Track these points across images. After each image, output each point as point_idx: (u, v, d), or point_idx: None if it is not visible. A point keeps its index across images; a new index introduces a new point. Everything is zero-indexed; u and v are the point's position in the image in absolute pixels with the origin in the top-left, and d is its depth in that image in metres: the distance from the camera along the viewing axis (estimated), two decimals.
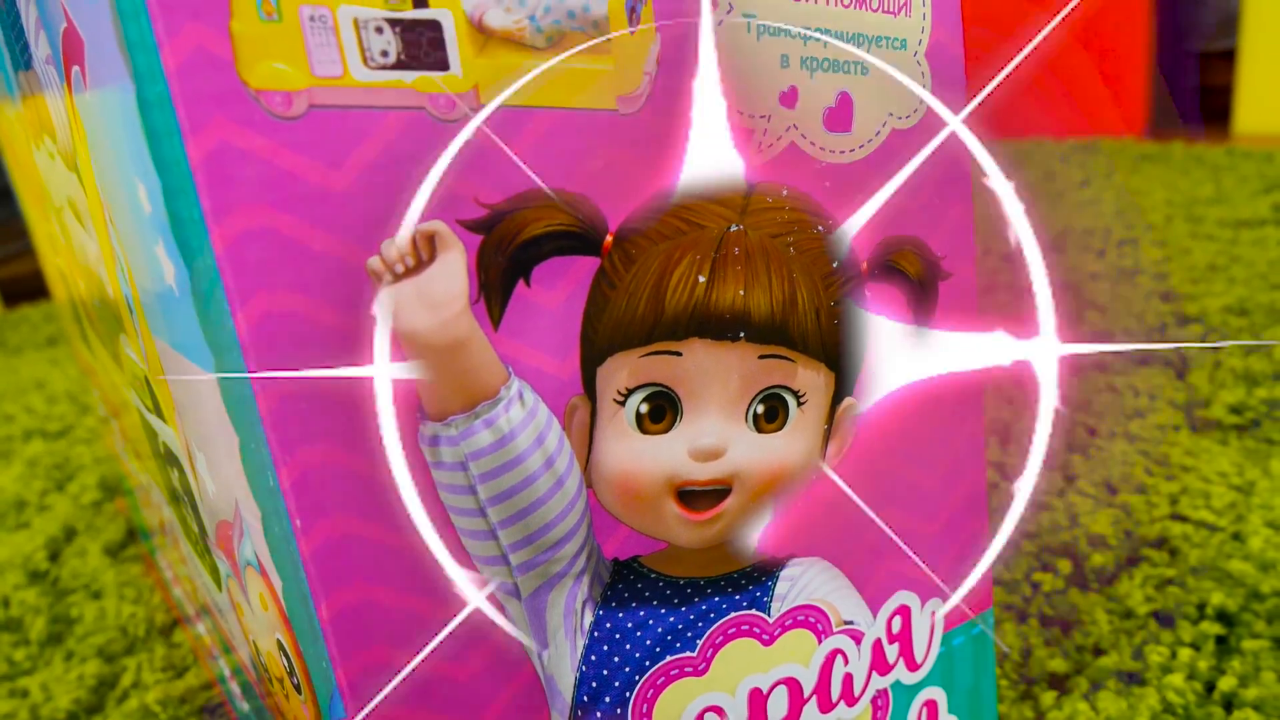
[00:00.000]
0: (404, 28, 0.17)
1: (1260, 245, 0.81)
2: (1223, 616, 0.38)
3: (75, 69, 0.21)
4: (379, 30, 0.17)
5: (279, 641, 0.22)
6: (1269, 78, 1.36)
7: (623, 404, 0.21)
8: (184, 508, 0.29)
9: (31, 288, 1.78)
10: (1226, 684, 0.34)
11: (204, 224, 0.16)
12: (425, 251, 0.18)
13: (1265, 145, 1.25)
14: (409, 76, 0.17)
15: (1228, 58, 1.62)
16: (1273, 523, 0.44)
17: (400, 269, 0.18)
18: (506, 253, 0.19)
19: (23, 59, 0.28)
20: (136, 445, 0.37)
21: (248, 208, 0.16)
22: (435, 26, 0.17)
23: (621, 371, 0.21)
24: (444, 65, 0.17)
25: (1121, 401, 0.58)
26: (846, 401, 0.24)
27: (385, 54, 0.17)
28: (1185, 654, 0.36)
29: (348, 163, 0.17)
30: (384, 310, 0.18)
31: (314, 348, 0.17)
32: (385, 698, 0.20)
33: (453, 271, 0.18)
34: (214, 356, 0.18)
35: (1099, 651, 0.37)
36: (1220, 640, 0.37)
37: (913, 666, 0.27)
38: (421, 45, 0.17)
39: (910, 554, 0.26)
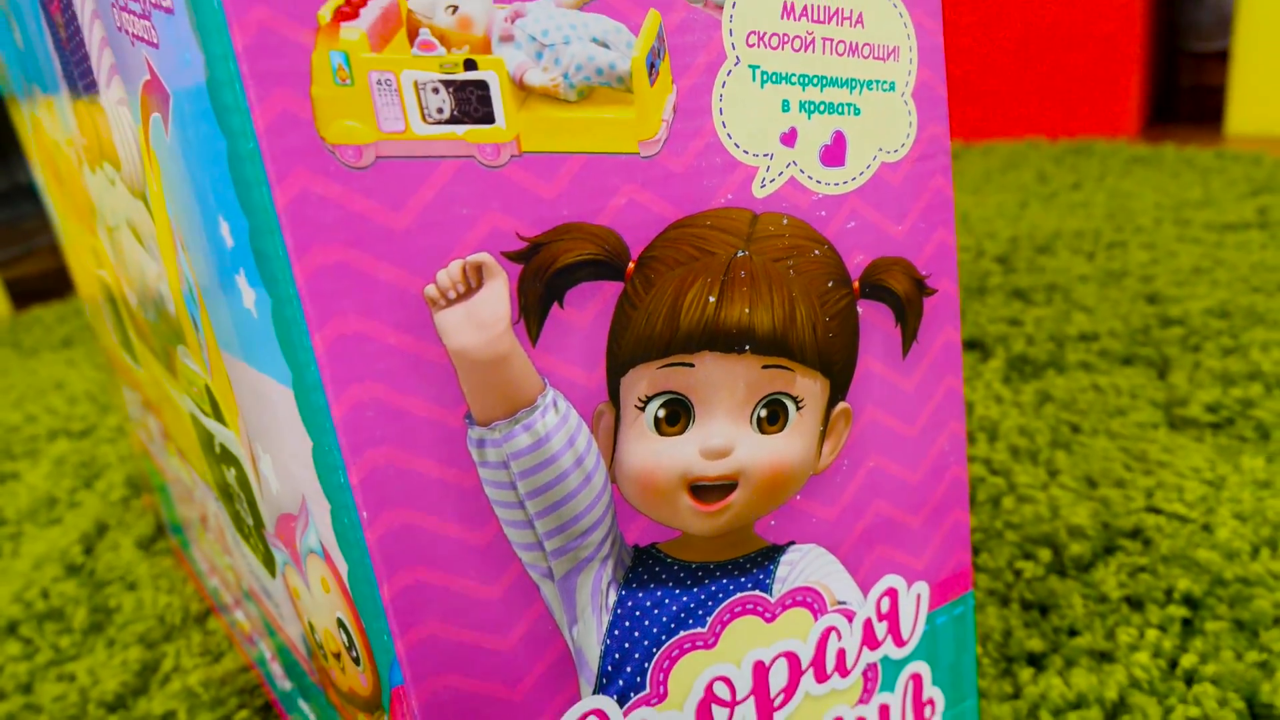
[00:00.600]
0: (456, 88, 0.20)
1: (1244, 249, 0.83)
2: (1189, 601, 0.41)
3: (156, 116, 0.23)
4: (435, 90, 0.20)
5: (339, 620, 0.25)
6: (1261, 80, 1.38)
7: (643, 410, 0.24)
8: (237, 502, 0.32)
9: (38, 288, 1.81)
10: (1188, 661, 0.37)
11: (287, 259, 0.19)
12: (474, 280, 0.21)
13: (1256, 147, 1.28)
14: (460, 129, 0.20)
15: (1222, 59, 1.65)
16: (1240, 514, 0.47)
17: (453, 295, 0.21)
18: (543, 279, 0.21)
19: (83, 89, 0.31)
20: (182, 444, 0.39)
21: (324, 245, 0.19)
22: (483, 86, 0.20)
23: (641, 381, 0.23)
24: (490, 119, 0.20)
25: (1105, 400, 0.61)
26: (840, 405, 0.27)
27: (440, 111, 0.20)
28: (1152, 634, 0.39)
29: (408, 204, 0.20)
30: (439, 331, 0.21)
31: (380, 365, 0.20)
32: (436, 665, 0.23)
33: (498, 296, 0.21)
34: (292, 372, 0.21)
35: (1074, 632, 0.40)
36: (1186, 622, 0.40)
37: (900, 643, 0.30)
38: (471, 102, 0.20)
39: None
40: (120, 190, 0.31)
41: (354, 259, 0.20)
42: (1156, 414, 0.59)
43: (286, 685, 0.39)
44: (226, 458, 0.31)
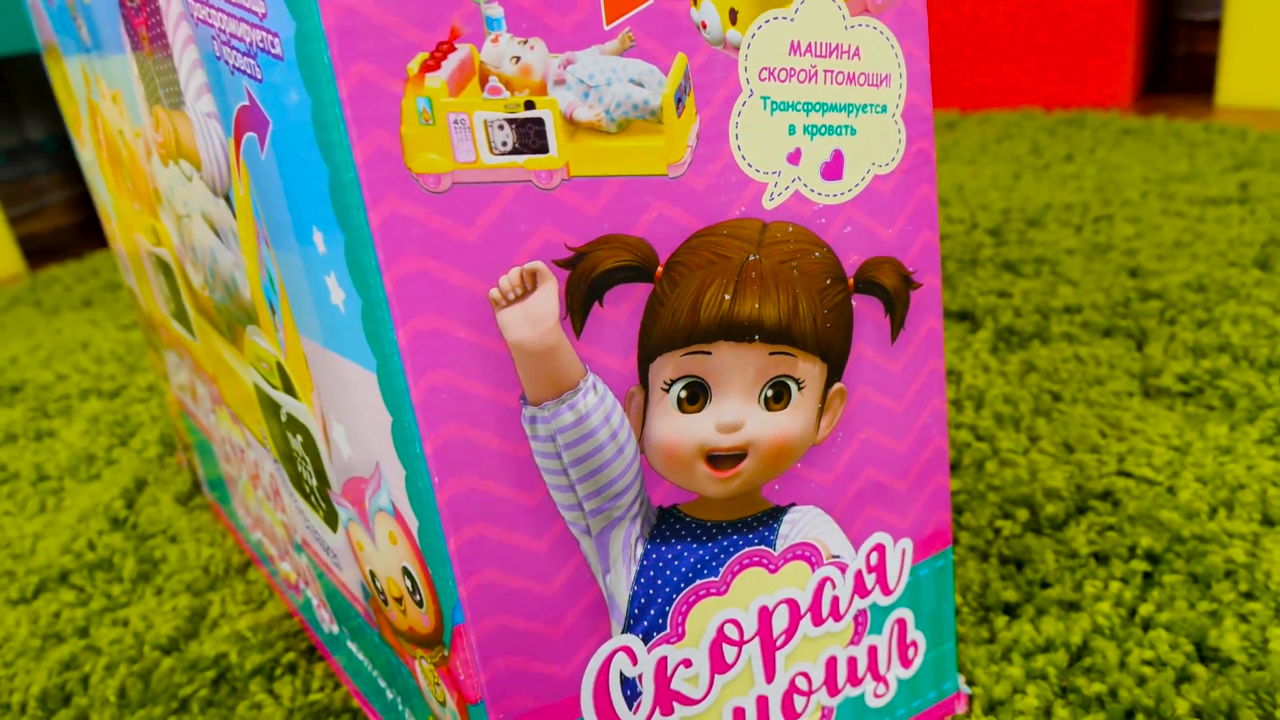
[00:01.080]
0: (518, 125, 0.23)
1: (1224, 223, 0.87)
2: (1150, 556, 0.46)
3: (251, 135, 0.27)
4: (501, 127, 0.23)
5: (405, 569, 0.29)
6: (1251, 51, 1.40)
7: (667, 391, 0.28)
8: (299, 465, 0.36)
9: (50, 245, 1.83)
10: (1146, 610, 0.42)
11: (378, 268, 0.23)
12: (530, 284, 0.25)
13: (1245, 118, 1.31)
14: (521, 159, 0.24)
15: (1215, 28, 1.67)
16: (1201, 478, 0.51)
17: (512, 297, 0.24)
18: (586, 282, 0.25)
19: (164, 97, 0.35)
20: (238, 409, 0.43)
21: (408, 257, 0.23)
22: (539, 122, 0.24)
23: (667, 367, 0.27)
24: (545, 149, 0.24)
25: (1085, 370, 0.65)
26: (836, 386, 0.31)
27: (505, 144, 0.23)
28: (1115, 587, 0.43)
29: (477, 222, 0.24)
30: (500, 326, 0.24)
31: (451, 355, 0.24)
32: (491, 606, 0.27)
33: (549, 297, 0.25)
34: (376, 360, 0.25)
35: (1045, 585, 0.45)
36: (1146, 576, 0.45)
37: (886, 591, 0.34)
38: (530, 136, 0.24)
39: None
40: (197, 186, 0.34)
41: (432, 268, 0.23)
42: (1132, 384, 0.63)
43: (334, 629, 0.43)
44: (293, 425, 0.35)
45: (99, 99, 0.47)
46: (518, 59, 0.23)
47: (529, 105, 0.23)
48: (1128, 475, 0.53)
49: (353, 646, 0.41)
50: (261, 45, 0.24)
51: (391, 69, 0.22)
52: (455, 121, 0.23)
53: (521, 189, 0.24)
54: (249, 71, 0.25)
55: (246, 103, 0.26)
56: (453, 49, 0.22)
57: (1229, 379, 0.60)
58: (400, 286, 0.23)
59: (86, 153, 0.57)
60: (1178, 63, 1.90)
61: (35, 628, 0.54)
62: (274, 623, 0.52)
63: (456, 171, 0.23)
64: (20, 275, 1.56)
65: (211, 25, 0.27)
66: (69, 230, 1.96)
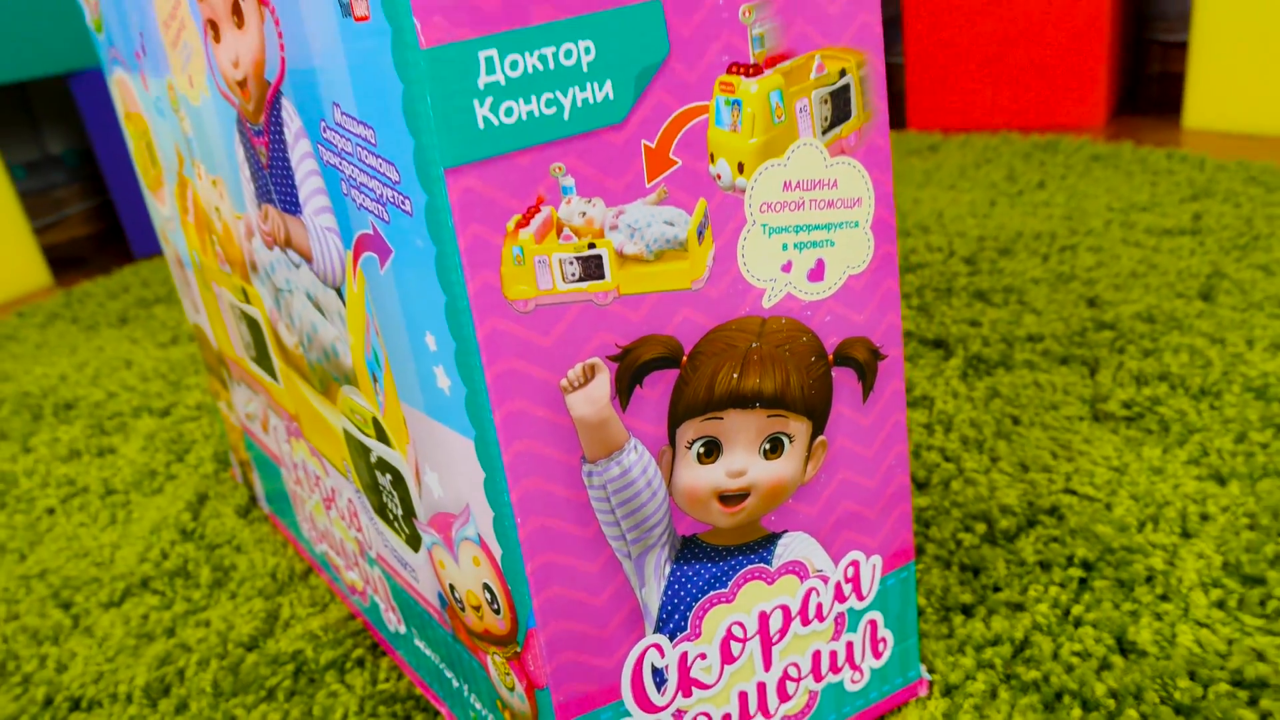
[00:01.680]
0: (584, 261, 0.32)
1: (1175, 254, 0.96)
2: (1085, 564, 0.54)
3: (371, 255, 0.35)
4: (570, 264, 0.32)
5: (486, 584, 0.37)
6: (1217, 76, 1.48)
7: (689, 449, 0.36)
8: (385, 496, 0.44)
9: (69, 254, 1.91)
10: (1077, 610, 0.50)
11: (481, 367, 0.31)
12: (589, 374, 0.33)
13: (1210, 141, 1.39)
14: (584, 285, 0.32)
15: (1185, 48, 1.75)
16: (1134, 495, 0.60)
17: (576, 384, 0.33)
18: (630, 371, 0.34)
19: (279, 201, 0.43)
20: (320, 445, 0.52)
21: (504, 359, 0.31)
22: (599, 258, 0.32)
23: (689, 430, 0.36)
24: (602, 277, 0.32)
25: (1042, 396, 0.74)
26: (819, 438, 0.39)
27: (573, 275, 0.32)
28: (1054, 590, 0.52)
29: (552, 332, 0.32)
30: (568, 406, 0.33)
31: (532, 428, 0.33)
32: (555, 612, 0.35)
33: (603, 384, 0.33)
34: (475, 431, 0.33)
35: (996, 589, 0.54)
36: (1081, 581, 0.53)
37: (860, 598, 0.43)
38: (592, 268, 0.32)
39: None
40: (305, 273, 0.43)
41: (520, 366, 0.32)
42: (1083, 409, 0.71)
43: (401, 628, 0.52)
44: (383, 466, 0.43)
45: (193, 176, 0.55)
46: (584, 213, 0.31)
47: (591, 246, 0.32)
48: (1072, 493, 0.61)
49: (420, 643, 0.49)
50: (393, 201, 0.32)
51: (495, 228, 0.30)
52: (539, 262, 0.31)
53: (584, 306, 0.32)
54: (376, 213, 0.34)
55: (370, 232, 0.35)
56: (538, 210, 0.31)
57: (1166, 405, 0.69)
58: (497, 380, 0.32)
59: (165, 209, 0.65)
60: (1151, 81, 1.99)
61: (128, 628, 0.63)
62: (340, 623, 0.60)
63: (539, 297, 0.31)
64: (48, 288, 1.64)
65: (342, 172, 0.35)
66: (88, 240, 2.04)
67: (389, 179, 0.32)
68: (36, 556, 0.73)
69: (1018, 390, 0.75)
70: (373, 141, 0.32)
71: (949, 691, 0.47)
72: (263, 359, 0.56)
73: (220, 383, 0.72)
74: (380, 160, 0.32)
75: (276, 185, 0.42)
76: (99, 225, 2.12)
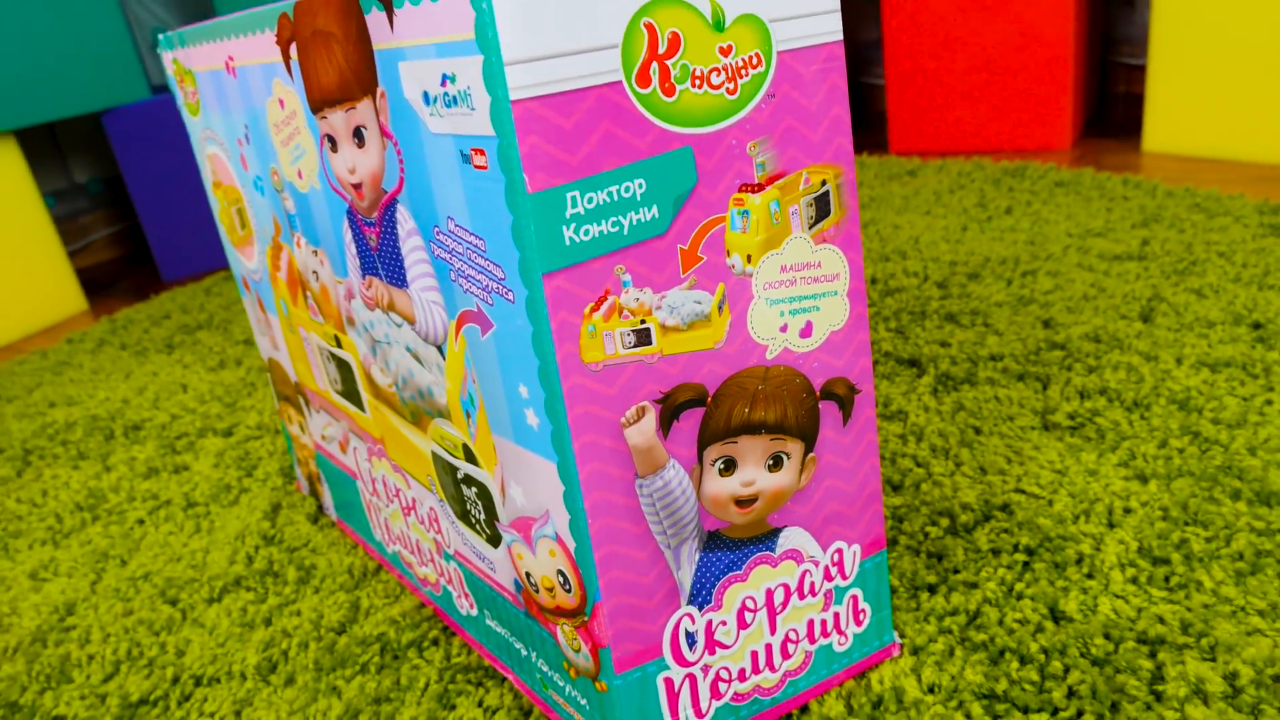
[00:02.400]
0: (637, 333, 0.44)
1: (1122, 278, 1.08)
2: (1028, 550, 0.67)
3: (473, 326, 0.47)
4: (628, 336, 0.44)
5: (560, 570, 0.49)
6: (1174, 102, 1.61)
7: (713, 465, 0.48)
8: (466, 504, 0.56)
9: (96, 277, 2.01)
10: (1019, 587, 0.63)
11: (564, 411, 0.43)
12: (640, 414, 0.45)
13: (1167, 166, 1.52)
14: (638, 349, 0.44)
15: (1145, 72, 1.88)
16: (1072, 494, 0.72)
17: (631, 421, 0.45)
18: (670, 410, 0.46)
19: (384, 274, 0.55)
20: (405, 463, 0.64)
21: (580, 404, 0.44)
22: (648, 331, 0.44)
23: (713, 452, 0.48)
24: (650, 343, 0.44)
25: (1001, 409, 0.86)
26: (810, 455, 0.51)
27: (629, 343, 0.44)
28: (1002, 571, 0.64)
29: (615, 384, 0.44)
30: (627, 436, 0.45)
31: (601, 454, 0.45)
32: (615, 589, 0.47)
33: (650, 420, 0.45)
34: (558, 457, 0.45)
35: (956, 571, 0.66)
36: (1025, 564, 0.66)
37: (844, 578, 0.55)
38: (642, 338, 0.44)
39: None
40: (406, 331, 0.55)
41: (592, 409, 0.44)
42: (1035, 420, 0.84)
43: (472, 611, 0.64)
44: (469, 481, 0.55)
45: (290, 244, 0.67)
46: (637, 299, 0.43)
47: (643, 322, 0.44)
48: (1021, 492, 0.74)
49: (491, 623, 0.61)
50: (498, 291, 0.44)
51: (576, 312, 0.42)
52: (606, 335, 0.43)
53: (638, 365, 0.44)
54: (481, 297, 0.46)
55: (474, 309, 0.47)
56: (605, 299, 0.43)
57: (1103, 416, 0.81)
58: (575, 420, 0.44)
59: (252, 263, 0.77)
60: (1117, 101, 2.12)
61: (231, 619, 0.75)
62: (412, 611, 0.72)
63: (606, 360, 0.44)
64: (84, 312, 1.75)
65: (452, 265, 0.47)
66: (113, 264, 2.15)
67: (495, 276, 0.44)
68: (137, 561, 0.85)
69: (980, 404, 0.87)
70: (483, 249, 0.44)
71: (916, 651, 0.59)
72: (350, 393, 0.68)
73: (295, 409, 0.84)
74: (489, 262, 0.44)
75: (384, 264, 0.54)
76: (123, 249, 2.23)
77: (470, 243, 0.45)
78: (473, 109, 0.40)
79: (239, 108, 0.66)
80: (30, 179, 1.68)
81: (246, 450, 1.02)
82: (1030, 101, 1.77)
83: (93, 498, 0.97)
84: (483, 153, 0.41)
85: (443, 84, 0.42)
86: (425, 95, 0.43)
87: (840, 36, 0.46)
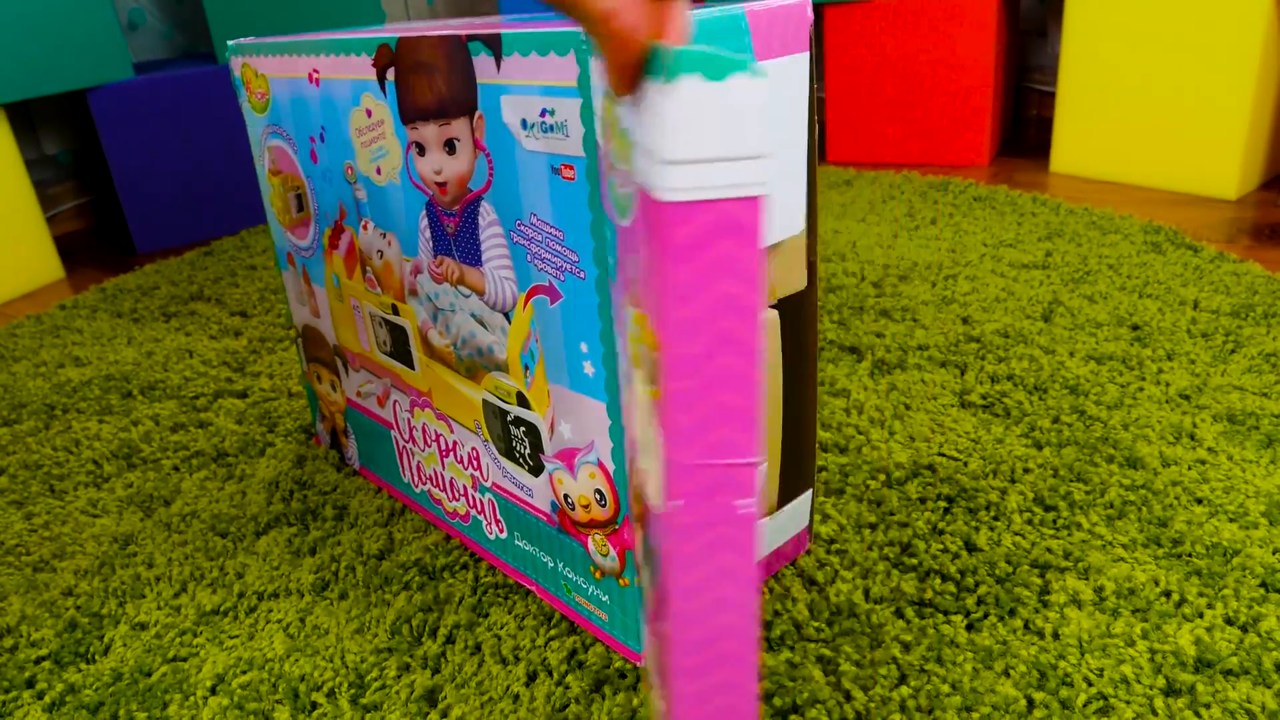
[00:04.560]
0: None
1: (1028, 284, 1.27)
2: (948, 499, 0.83)
3: (541, 296, 0.61)
4: None
5: (597, 490, 0.64)
6: (1078, 129, 1.81)
7: None
8: (515, 442, 0.70)
9: (65, 247, 2.08)
10: (941, 525, 0.79)
11: (616, 364, 0.58)
12: None
13: (1071, 185, 1.72)
14: None
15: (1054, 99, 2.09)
16: (983, 456, 0.89)
17: None
18: None
19: (457, 255, 0.68)
20: (451, 411, 0.77)
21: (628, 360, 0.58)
22: None
23: None
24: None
25: (927, 389, 1.03)
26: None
27: None
28: (928, 514, 0.81)
29: None
30: None
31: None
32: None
33: None
34: (608, 397, 0.60)
35: (891, 514, 0.82)
36: (945, 509, 0.82)
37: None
38: None
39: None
40: (475, 300, 0.68)
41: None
42: (954, 399, 1.01)
43: (501, 535, 0.78)
44: (519, 422, 0.69)
45: (356, 227, 0.80)
46: None
47: None
48: (944, 455, 0.90)
49: (521, 542, 0.75)
50: (571, 270, 0.58)
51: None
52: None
53: None
54: (554, 275, 0.60)
55: (545, 284, 0.61)
56: None
57: (1009, 398, 0.99)
58: (623, 368, 0.58)
59: (305, 241, 0.90)
60: (1029, 123, 2.33)
61: (281, 549, 0.87)
62: (441, 542, 0.85)
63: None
64: (60, 280, 1.82)
65: (528, 249, 0.61)
66: (79, 235, 2.21)
67: (570, 259, 0.58)
68: (180, 502, 0.96)
69: (909, 385, 1.04)
70: (561, 238, 0.58)
71: (866, 575, 0.75)
72: (400, 354, 0.81)
73: (327, 369, 0.97)
74: (566, 249, 0.58)
75: (459, 247, 0.68)
76: (89, 221, 2.29)
77: (549, 233, 0.59)
78: (567, 135, 0.55)
79: (317, 111, 0.78)
80: (15, 148, 1.74)
81: (266, 409, 1.14)
82: (954, 122, 1.97)
83: (126, 448, 1.08)
84: (571, 168, 0.55)
85: (542, 115, 0.56)
86: (524, 122, 0.57)
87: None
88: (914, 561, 0.75)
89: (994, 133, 2.00)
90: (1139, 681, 0.62)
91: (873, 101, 2.03)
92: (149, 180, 1.90)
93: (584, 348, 0.60)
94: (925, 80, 1.96)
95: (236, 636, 0.76)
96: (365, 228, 0.79)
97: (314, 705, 0.68)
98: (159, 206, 1.93)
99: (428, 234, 0.71)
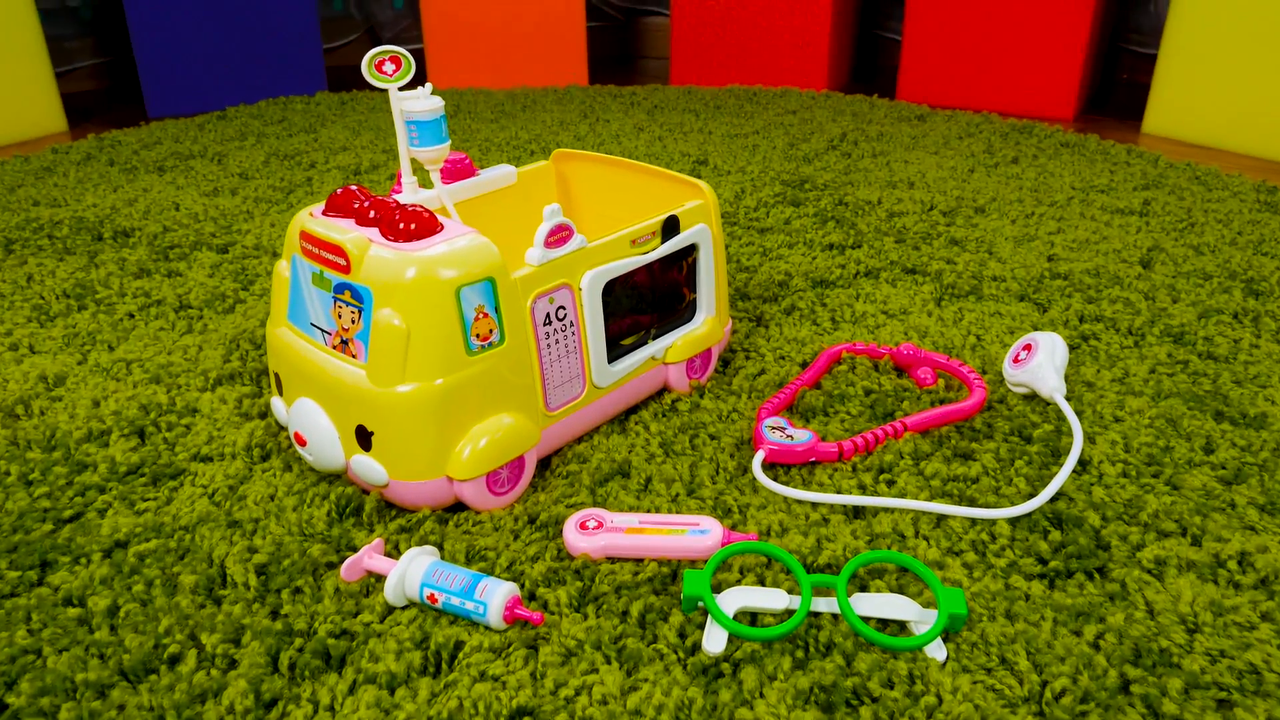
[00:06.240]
0: None
1: (1124, 229, 1.11)
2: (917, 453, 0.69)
3: None
4: None
5: None
6: (1178, 91, 1.64)
7: None
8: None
9: (78, 105, 1.95)
10: (883, 462, 0.65)
11: None
12: None
13: (1163, 147, 1.55)
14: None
15: (1153, 61, 1.90)
16: (1078, 399, 0.74)
17: None
18: None
19: None
20: None
21: None
22: None
23: None
24: None
25: (1001, 322, 0.88)
26: None
27: None
28: (889, 457, 0.66)
29: None
30: None
31: None
32: None
33: None
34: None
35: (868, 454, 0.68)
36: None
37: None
38: None
39: None
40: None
41: None
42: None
43: None
44: None
45: None
46: None
47: None
48: (984, 372, 0.76)
49: None
50: None
51: None
52: None
53: None
54: None
55: None
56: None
57: (1098, 339, 0.84)
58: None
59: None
60: (1120, 87, 2.15)
61: (227, 408, 0.74)
62: None
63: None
64: (62, 133, 1.69)
65: None
66: (94, 94, 2.08)
67: None
68: (126, 348, 0.84)
69: (982, 316, 0.89)
70: None
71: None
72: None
73: None
74: None
75: None
76: (104, 82, 2.17)
77: None
78: None
79: None
80: None
81: (244, 266, 1.00)
82: (1040, 69, 1.79)
83: (80, 288, 0.95)
84: None
85: None
86: None
87: None
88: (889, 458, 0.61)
89: (1083, 88, 1.82)
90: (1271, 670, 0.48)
91: (954, 40, 1.85)
92: (168, 41, 1.77)
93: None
94: (1014, 22, 1.78)
95: (153, 500, 0.63)
96: None
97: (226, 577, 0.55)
98: (175, 70, 1.79)
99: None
